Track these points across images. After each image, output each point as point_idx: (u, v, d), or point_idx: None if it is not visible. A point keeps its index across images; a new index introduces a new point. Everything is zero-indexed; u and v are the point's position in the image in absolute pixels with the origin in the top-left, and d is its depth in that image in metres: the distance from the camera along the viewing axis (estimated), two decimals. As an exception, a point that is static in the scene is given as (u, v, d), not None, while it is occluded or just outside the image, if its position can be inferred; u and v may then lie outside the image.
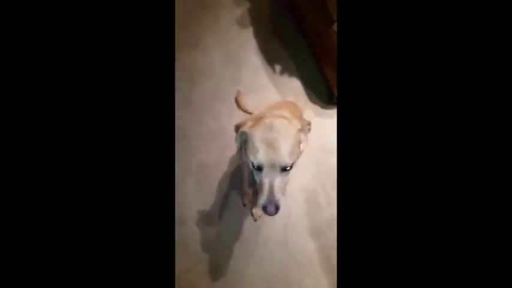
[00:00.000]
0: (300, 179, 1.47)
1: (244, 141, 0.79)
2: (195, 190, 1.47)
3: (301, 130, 0.77)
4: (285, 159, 0.70)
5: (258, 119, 0.82)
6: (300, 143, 0.77)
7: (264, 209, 0.72)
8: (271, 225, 1.38)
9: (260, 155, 0.70)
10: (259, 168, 0.72)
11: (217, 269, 1.31)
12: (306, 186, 1.46)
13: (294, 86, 1.70)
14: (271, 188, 0.71)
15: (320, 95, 1.67)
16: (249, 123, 0.83)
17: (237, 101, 1.56)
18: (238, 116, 1.55)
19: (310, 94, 1.68)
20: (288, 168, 0.72)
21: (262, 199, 0.72)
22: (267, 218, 1.40)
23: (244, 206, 1.41)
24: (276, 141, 0.70)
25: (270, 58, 1.80)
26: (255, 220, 1.38)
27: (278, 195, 0.71)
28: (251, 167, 0.75)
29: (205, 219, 1.41)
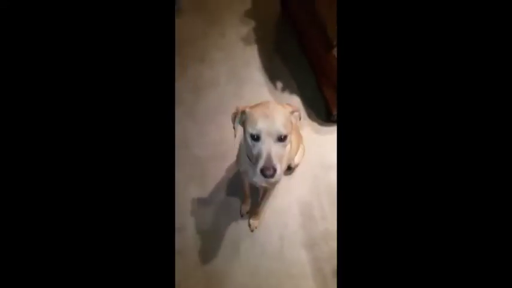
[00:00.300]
0: (297, 193, 1.53)
1: (243, 121, 0.86)
2: (196, 198, 1.51)
3: (292, 113, 0.87)
4: (280, 128, 0.78)
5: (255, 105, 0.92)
6: (292, 124, 0.86)
7: (262, 172, 0.77)
8: (267, 236, 1.43)
9: (258, 125, 0.78)
10: (258, 138, 0.80)
11: (214, 277, 1.34)
12: (302, 200, 1.51)
13: (294, 103, 1.78)
14: (269, 153, 0.77)
15: (319, 113, 1.75)
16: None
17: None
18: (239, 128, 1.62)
19: (309, 111, 1.76)
20: (283, 138, 0.79)
21: (260, 164, 0.77)
22: (263, 228, 1.44)
23: (241, 216, 1.46)
24: (271, 115, 0.79)
25: (272, 75, 1.90)
26: (252, 230, 1.43)
27: (276, 161, 0.77)
28: (249, 140, 0.82)
29: (204, 227, 1.44)
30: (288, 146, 1.01)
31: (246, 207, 1.46)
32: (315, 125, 1.72)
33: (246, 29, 2.13)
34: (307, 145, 1.50)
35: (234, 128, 0.92)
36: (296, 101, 1.79)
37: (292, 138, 1.14)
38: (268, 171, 0.76)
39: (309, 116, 1.75)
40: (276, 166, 0.77)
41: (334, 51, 1.42)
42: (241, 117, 0.87)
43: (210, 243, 1.41)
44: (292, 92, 1.83)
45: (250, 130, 0.80)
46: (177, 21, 2.17)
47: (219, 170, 1.59)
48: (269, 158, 0.77)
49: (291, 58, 1.96)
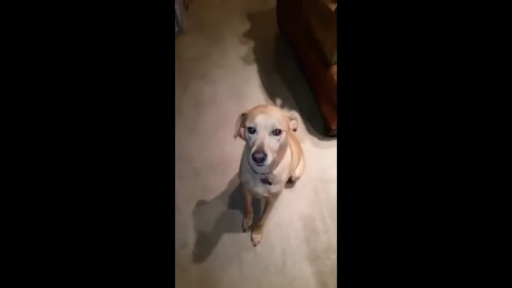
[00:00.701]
0: (298, 207, 1.54)
1: (243, 121, 0.93)
2: (197, 212, 1.51)
3: (290, 119, 0.95)
4: (275, 122, 0.85)
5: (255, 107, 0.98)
6: (288, 126, 0.94)
7: (253, 156, 0.84)
8: (270, 251, 1.42)
9: (255, 119, 0.86)
10: (254, 131, 0.87)
11: (215, 294, 1.31)
12: (304, 214, 1.52)
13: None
14: (262, 141, 0.84)
15: (317, 127, 1.80)
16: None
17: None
18: (240, 142, 1.64)
19: (308, 126, 1.81)
20: (277, 132, 0.86)
21: (253, 149, 0.84)
22: (265, 243, 1.43)
23: (244, 231, 1.45)
24: (268, 112, 0.87)
25: (271, 92, 1.96)
26: (255, 245, 1.42)
27: (267, 148, 0.84)
28: (247, 134, 0.89)
29: (206, 242, 1.43)
30: (288, 153, 1.05)
31: (249, 222, 1.45)
32: (315, 139, 1.76)
33: (246, 48, 2.22)
34: (306, 159, 1.53)
35: (235, 127, 0.99)
36: (295, 116, 1.84)
37: (293, 149, 1.18)
38: (258, 155, 0.83)
39: (308, 130, 1.79)
40: (267, 152, 0.84)
41: (331, 69, 1.48)
42: (241, 118, 0.95)
43: (212, 257, 1.39)
44: (291, 107, 1.89)
45: (248, 124, 0.88)
46: (180, 40, 2.25)
47: (220, 183, 1.60)
48: (261, 144, 0.84)
49: (289, 76, 2.04)
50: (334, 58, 1.43)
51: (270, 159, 0.84)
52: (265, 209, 1.34)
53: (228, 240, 1.44)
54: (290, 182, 1.53)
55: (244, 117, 0.94)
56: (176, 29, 2.17)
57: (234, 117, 0.96)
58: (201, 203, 1.54)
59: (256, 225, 1.43)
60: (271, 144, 0.86)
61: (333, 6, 1.26)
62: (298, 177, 1.49)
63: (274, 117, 0.86)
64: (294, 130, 0.99)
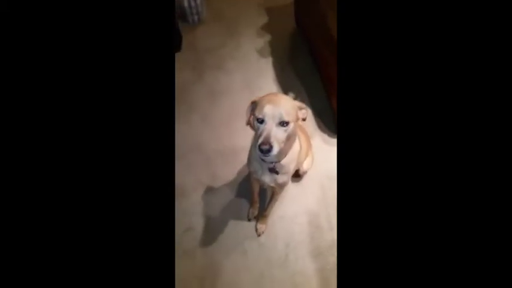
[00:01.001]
0: (304, 202, 1.54)
1: (253, 109, 0.94)
2: (205, 199, 1.53)
3: (300, 108, 0.96)
4: (283, 113, 0.86)
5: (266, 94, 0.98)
6: (297, 116, 0.94)
7: (259, 147, 0.85)
8: (273, 243, 1.43)
9: (264, 110, 0.86)
10: (262, 121, 0.88)
11: (219, 279, 1.33)
12: (310, 210, 1.52)
13: (305, 114, 1.83)
14: (269, 132, 0.85)
15: (328, 124, 1.79)
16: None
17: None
18: (251, 133, 1.66)
19: (319, 122, 1.80)
20: (285, 123, 0.87)
21: (260, 140, 0.85)
22: (270, 235, 1.44)
23: (249, 220, 1.47)
24: (277, 102, 0.87)
25: (284, 86, 1.96)
26: (259, 235, 1.43)
27: (273, 140, 0.85)
28: (256, 124, 0.90)
29: (211, 227, 1.45)
30: (296, 144, 1.06)
31: (254, 212, 1.47)
32: (325, 136, 1.75)
33: (262, 41, 2.22)
34: (315, 155, 1.52)
35: (246, 115, 1.00)
36: (305, 106, 1.83)
37: (302, 142, 1.18)
38: (264, 146, 0.84)
39: (319, 126, 1.78)
40: (273, 143, 0.85)
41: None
42: (251, 106, 0.96)
43: (217, 244, 1.41)
44: (303, 102, 1.87)
45: (257, 114, 0.88)
46: (198, 30, 2.27)
47: (230, 172, 1.62)
48: (268, 136, 0.85)
49: (303, 71, 2.02)
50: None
51: (276, 150, 0.85)
52: (271, 200, 1.35)
53: (232, 228, 1.45)
54: (297, 176, 1.53)
55: (254, 105, 0.94)
56: (196, 17, 2.18)
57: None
58: (209, 189, 1.57)
59: (261, 215, 1.44)
60: (278, 135, 0.87)
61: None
62: (306, 172, 1.49)
63: (283, 108, 0.86)
64: (304, 120, 0.99)
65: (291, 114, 0.88)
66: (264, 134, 0.85)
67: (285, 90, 1.93)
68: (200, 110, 1.84)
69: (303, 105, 0.97)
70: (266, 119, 0.86)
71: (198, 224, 1.46)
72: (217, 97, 1.90)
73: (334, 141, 1.73)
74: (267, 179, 1.09)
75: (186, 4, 2.05)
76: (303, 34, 2.15)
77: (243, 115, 1.01)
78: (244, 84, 1.97)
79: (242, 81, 1.98)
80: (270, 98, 0.89)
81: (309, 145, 1.44)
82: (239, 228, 1.46)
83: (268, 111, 0.86)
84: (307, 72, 2.01)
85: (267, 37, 2.25)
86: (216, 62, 2.08)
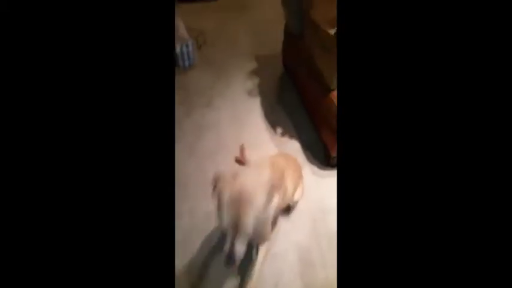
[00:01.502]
0: (294, 237, 1.40)
1: (215, 187, 0.89)
2: (187, 233, 1.39)
3: (276, 187, 0.88)
4: (247, 229, 0.79)
5: (235, 175, 0.90)
6: (272, 198, 0.87)
7: (224, 259, 0.83)
8: (260, 284, 1.25)
9: (224, 221, 0.80)
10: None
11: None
12: (300, 245, 1.38)
13: (294, 147, 1.81)
14: (232, 252, 0.81)
15: (317, 156, 1.75)
16: (227, 179, 0.90)
17: (240, 152, 1.64)
18: (236, 167, 1.60)
19: (308, 155, 1.77)
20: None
21: (224, 251, 0.82)
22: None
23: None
24: (241, 209, 0.79)
25: (273, 122, 1.98)
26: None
27: (238, 257, 0.82)
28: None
29: (194, 275, 1.28)
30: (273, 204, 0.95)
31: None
32: (314, 168, 1.70)
33: (251, 83, 2.34)
34: (305, 189, 1.46)
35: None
36: (295, 145, 1.82)
37: (288, 181, 1.12)
38: (228, 260, 0.82)
39: (308, 159, 1.74)
40: (236, 258, 0.82)
41: (331, 94, 1.51)
42: (217, 188, 0.90)
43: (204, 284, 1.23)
44: (291, 136, 1.88)
45: (219, 222, 0.84)
46: (189, 73, 2.40)
47: (212, 204, 1.51)
48: (232, 253, 0.81)
49: (291, 108, 2.08)
50: (334, 83, 1.47)
51: (239, 258, 0.83)
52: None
53: (215, 270, 1.29)
54: (288, 209, 1.43)
55: (218, 187, 0.88)
56: (187, 63, 2.33)
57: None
58: (191, 224, 1.43)
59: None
60: (242, 249, 0.83)
61: (332, 31, 1.33)
62: (297, 202, 1.40)
63: (246, 220, 0.79)
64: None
65: (262, 224, 0.85)
66: (227, 252, 0.81)
67: (273, 125, 1.95)
68: (185, 142, 1.82)
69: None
70: (227, 233, 0.81)
71: (177, 270, 1.30)
72: (204, 131, 1.90)
73: (324, 173, 1.68)
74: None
75: (178, 50, 2.21)
76: (289, 75, 2.28)
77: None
78: (232, 121, 1.99)
79: (230, 118, 2.01)
80: (234, 199, 0.80)
81: (299, 177, 1.39)
82: (222, 270, 1.29)
83: (229, 224, 0.80)
84: (295, 110, 2.06)
85: (256, 80, 2.38)
86: (205, 101, 2.14)
